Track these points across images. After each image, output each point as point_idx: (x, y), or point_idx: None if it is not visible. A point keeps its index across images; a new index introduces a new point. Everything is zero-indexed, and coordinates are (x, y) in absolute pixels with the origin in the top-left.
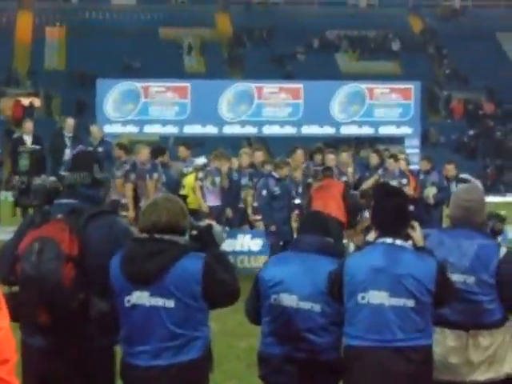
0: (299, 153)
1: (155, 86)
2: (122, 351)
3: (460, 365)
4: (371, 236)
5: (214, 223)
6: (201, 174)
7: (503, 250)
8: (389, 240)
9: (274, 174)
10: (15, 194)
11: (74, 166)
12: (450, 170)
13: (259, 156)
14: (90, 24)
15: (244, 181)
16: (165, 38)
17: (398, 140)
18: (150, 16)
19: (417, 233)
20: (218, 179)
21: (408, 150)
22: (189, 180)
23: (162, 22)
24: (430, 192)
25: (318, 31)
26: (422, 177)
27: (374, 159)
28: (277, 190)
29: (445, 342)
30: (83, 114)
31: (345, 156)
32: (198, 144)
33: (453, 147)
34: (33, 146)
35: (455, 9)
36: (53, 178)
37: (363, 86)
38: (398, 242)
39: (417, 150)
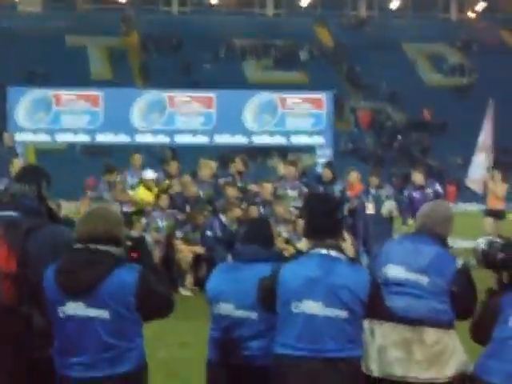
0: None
1: (67, 95)
2: (56, 363)
3: (401, 360)
4: (303, 245)
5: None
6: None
7: (459, 262)
8: (323, 251)
9: None
10: None
11: (22, 177)
12: (373, 180)
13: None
14: None
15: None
16: (71, 46)
17: (309, 149)
18: (56, 23)
19: (348, 244)
20: None
21: (320, 160)
22: (141, 193)
23: (68, 29)
24: (392, 207)
25: (225, 40)
26: (373, 192)
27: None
28: None
29: (389, 336)
30: None
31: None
32: (107, 153)
33: (360, 156)
34: None
35: (361, 19)
36: None
37: (275, 96)
38: (333, 252)
39: (329, 160)
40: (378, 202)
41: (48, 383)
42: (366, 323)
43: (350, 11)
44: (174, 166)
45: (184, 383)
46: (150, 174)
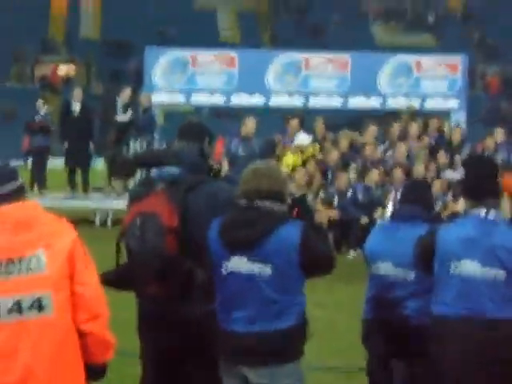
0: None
1: (203, 55)
2: (218, 317)
3: None
4: (460, 206)
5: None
6: None
7: None
8: (482, 212)
9: None
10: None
11: (185, 134)
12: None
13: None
14: None
15: None
16: (199, 8)
17: (443, 113)
18: None
19: (505, 205)
20: None
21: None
22: (292, 160)
23: None
24: None
25: (354, 2)
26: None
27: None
28: None
29: None
30: (119, 82)
31: None
32: (235, 115)
33: (490, 121)
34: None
35: None
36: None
37: (410, 59)
38: (491, 214)
39: (463, 124)
40: None
41: (209, 337)
42: None
43: None
44: (249, 126)
45: (325, 343)
46: (304, 138)
